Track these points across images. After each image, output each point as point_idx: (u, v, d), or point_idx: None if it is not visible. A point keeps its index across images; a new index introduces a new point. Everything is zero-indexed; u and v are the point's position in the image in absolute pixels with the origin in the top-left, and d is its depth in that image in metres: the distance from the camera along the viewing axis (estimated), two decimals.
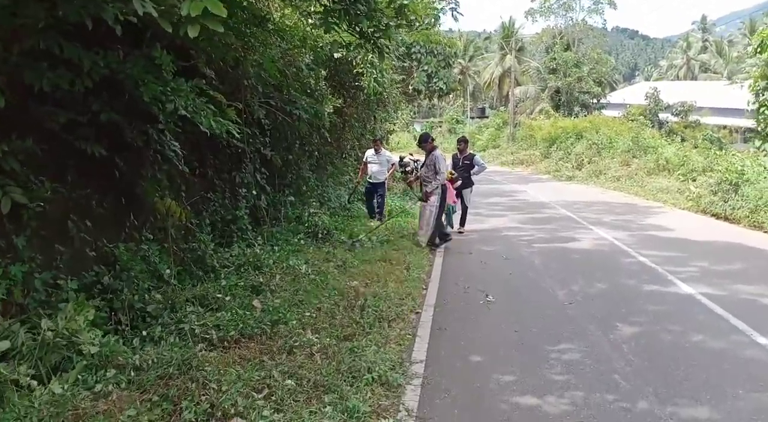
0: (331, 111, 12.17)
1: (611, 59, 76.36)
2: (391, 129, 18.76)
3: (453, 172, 11.63)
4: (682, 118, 40.96)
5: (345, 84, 13.69)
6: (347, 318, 5.93)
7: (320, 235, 10.70)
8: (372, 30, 7.39)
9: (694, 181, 18.46)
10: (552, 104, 43.40)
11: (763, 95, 15.27)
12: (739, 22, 70.30)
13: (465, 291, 7.56)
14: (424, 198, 10.10)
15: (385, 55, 8.58)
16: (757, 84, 15.55)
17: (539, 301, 7.08)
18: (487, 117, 52.04)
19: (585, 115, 39.49)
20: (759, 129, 16.04)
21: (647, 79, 71.02)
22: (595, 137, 28.19)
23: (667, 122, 40.50)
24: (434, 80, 25.24)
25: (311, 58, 11.49)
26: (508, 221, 13.89)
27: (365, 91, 13.27)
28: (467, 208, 12.41)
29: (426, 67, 25.20)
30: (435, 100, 38.28)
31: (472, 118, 53.49)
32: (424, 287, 7.73)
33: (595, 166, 25.66)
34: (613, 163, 24.90)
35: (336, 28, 7.21)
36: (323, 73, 12.07)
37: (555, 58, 42.14)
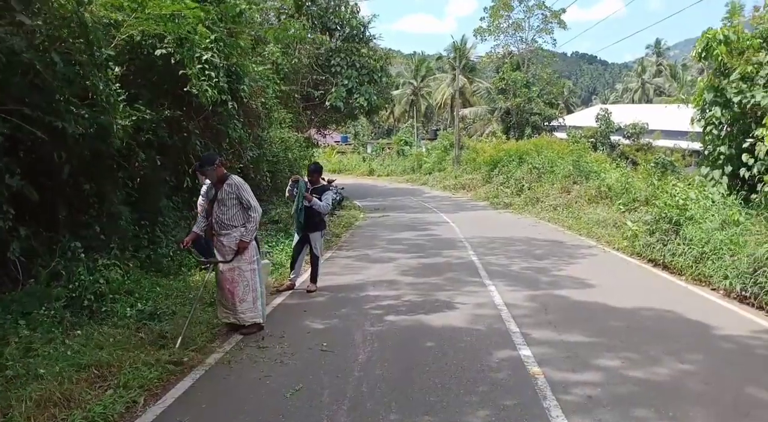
0: (130, 123, 8.57)
1: (568, 81, 74.42)
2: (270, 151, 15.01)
3: None
4: (633, 140, 38.29)
5: (174, 90, 10.14)
6: None
7: (86, 303, 7.23)
8: None
9: (636, 212, 15.32)
10: (503, 126, 40.46)
11: (710, 110, 11.96)
12: (693, 46, 68.60)
13: None
14: (229, 255, 6.52)
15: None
16: (702, 97, 12.23)
17: None
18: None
19: (536, 137, 36.59)
20: (706, 152, 12.72)
21: (604, 103, 68.65)
22: (537, 160, 25.06)
23: (619, 145, 37.79)
24: (355, 96, 21.86)
25: (99, 49, 7.93)
26: (391, 269, 10.40)
27: (199, 98, 9.74)
28: (318, 258, 8.91)
29: (345, 81, 21.85)
30: (380, 119, 34.98)
31: (424, 139, 50.31)
32: None
33: (534, 192, 22.43)
34: (553, 189, 21.71)
35: None
36: (116, 70, 8.53)
37: (504, 78, 39.20)
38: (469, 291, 8.62)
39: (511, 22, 41.16)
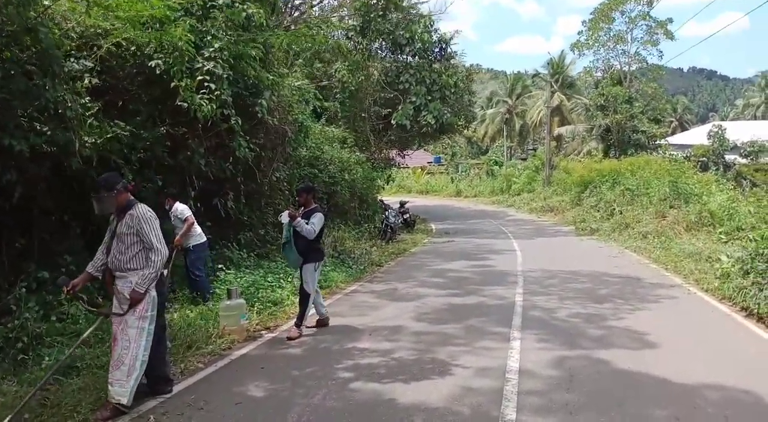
0: (101, 141, 7.48)
1: (683, 98, 68.45)
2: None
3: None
4: (752, 160, 33.72)
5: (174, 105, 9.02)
6: None
7: (20, 346, 6.23)
8: None
9: (734, 244, 12.56)
10: (603, 145, 37.07)
11: None
12: None
13: None
14: (124, 304, 4.90)
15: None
16: None
17: None
18: None
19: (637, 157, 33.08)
20: None
21: (723, 120, 62.03)
22: (630, 181, 22.12)
23: (734, 164, 33.36)
24: (423, 113, 20.24)
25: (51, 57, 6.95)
26: (408, 311, 8.59)
27: (195, 114, 8.56)
28: (308, 295, 7.31)
29: (414, 99, 20.32)
30: (455, 137, 33.08)
31: (519, 159, 47.56)
32: None
33: (624, 217, 19.59)
34: (647, 213, 18.80)
35: None
36: (86, 82, 7.49)
37: (603, 94, 35.93)
38: (483, 348, 6.69)
39: (612, 34, 37.78)
